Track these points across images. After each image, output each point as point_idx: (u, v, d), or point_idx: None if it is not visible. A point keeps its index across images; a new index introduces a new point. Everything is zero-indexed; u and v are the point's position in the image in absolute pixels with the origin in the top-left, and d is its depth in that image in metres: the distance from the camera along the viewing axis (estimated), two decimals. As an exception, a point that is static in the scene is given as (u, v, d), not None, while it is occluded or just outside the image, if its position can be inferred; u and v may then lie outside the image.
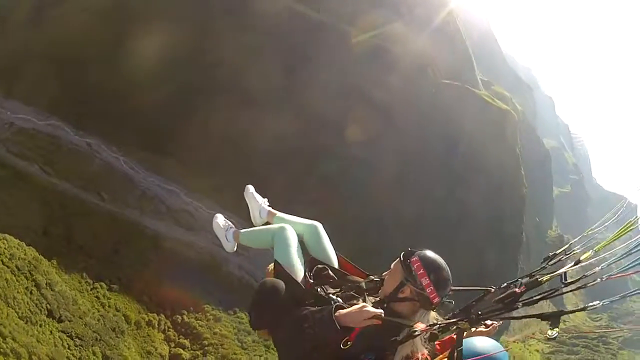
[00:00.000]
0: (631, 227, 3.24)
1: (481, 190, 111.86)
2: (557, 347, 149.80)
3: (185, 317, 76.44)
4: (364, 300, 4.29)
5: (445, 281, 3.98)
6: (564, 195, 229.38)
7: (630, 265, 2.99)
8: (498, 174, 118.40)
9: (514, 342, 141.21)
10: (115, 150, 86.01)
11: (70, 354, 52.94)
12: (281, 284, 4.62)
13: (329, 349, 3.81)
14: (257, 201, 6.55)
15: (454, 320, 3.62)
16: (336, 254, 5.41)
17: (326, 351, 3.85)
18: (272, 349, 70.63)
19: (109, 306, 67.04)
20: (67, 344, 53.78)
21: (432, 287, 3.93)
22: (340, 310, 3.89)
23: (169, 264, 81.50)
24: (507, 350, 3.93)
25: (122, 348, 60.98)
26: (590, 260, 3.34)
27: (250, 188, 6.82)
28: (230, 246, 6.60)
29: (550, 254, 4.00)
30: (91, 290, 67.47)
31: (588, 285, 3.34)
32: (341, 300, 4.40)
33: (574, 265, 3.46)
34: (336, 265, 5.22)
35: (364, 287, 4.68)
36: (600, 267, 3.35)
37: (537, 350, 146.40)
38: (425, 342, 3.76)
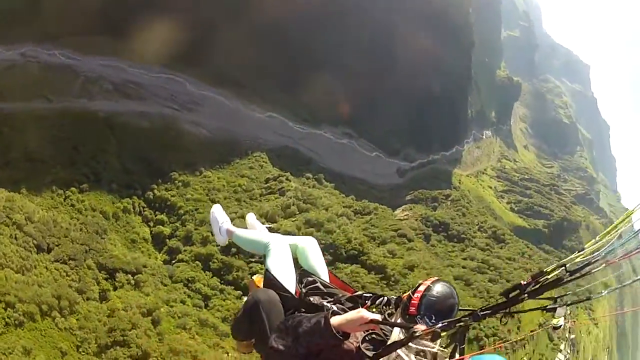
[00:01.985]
0: (631, 215, 3.52)
1: (428, 25, 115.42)
2: (509, 186, 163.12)
3: (156, 191, 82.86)
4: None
5: (432, 309, 4.26)
6: (512, 39, 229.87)
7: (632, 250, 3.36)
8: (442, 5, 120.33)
9: (467, 176, 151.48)
10: (49, 47, 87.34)
11: (70, 280, 58.91)
12: (275, 294, 5.04)
13: (324, 355, 4.21)
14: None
15: (458, 317, 3.98)
16: (327, 269, 5.89)
17: (320, 357, 4.22)
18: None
19: (86, 209, 72.20)
20: (64, 271, 59.70)
21: (418, 298, 4.35)
22: (336, 316, 4.16)
23: (127, 142, 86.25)
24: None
25: (110, 248, 66.69)
26: (593, 247, 3.58)
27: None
28: (221, 240, 6.93)
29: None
30: (65, 200, 72.26)
31: (592, 272, 3.60)
32: (335, 308, 4.85)
33: (578, 253, 3.66)
34: (327, 279, 5.69)
35: (357, 300, 5.16)
36: (603, 254, 3.59)
37: (490, 187, 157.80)
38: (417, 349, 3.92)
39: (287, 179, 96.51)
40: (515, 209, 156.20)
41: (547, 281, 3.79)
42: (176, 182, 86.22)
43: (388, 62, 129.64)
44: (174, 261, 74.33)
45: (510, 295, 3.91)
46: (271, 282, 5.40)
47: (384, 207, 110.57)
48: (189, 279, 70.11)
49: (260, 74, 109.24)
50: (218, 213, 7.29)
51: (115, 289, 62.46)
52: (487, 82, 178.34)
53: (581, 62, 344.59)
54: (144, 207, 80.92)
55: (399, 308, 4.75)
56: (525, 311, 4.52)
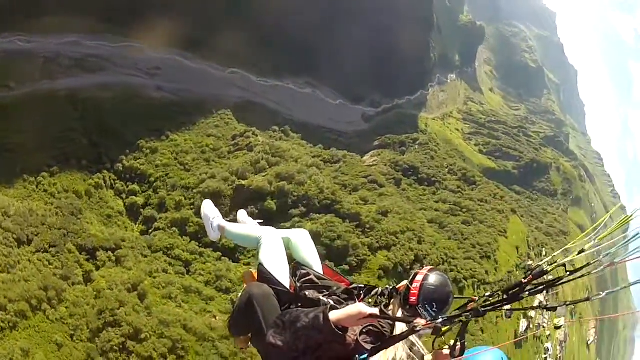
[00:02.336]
0: (631, 218, 3.48)
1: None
2: (476, 128, 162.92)
3: (125, 162, 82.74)
4: (355, 302, 4.58)
5: (431, 297, 4.35)
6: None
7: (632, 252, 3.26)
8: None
9: (434, 119, 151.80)
10: (6, 35, 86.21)
11: (53, 269, 59.42)
12: (269, 289, 5.00)
13: (322, 349, 4.18)
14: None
15: (458, 312, 3.95)
16: (321, 261, 5.82)
17: (319, 352, 4.20)
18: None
19: (59, 192, 72.44)
20: (47, 260, 60.06)
21: (417, 287, 4.38)
22: (334, 311, 4.14)
23: (92, 116, 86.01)
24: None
25: (87, 228, 66.98)
26: (593, 250, 3.54)
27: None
28: (214, 236, 6.80)
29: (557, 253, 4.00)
30: (37, 187, 72.47)
31: (592, 273, 3.60)
32: (332, 302, 4.86)
33: (578, 254, 3.65)
34: (321, 272, 5.65)
35: (354, 292, 5.15)
36: (603, 256, 3.56)
37: (457, 130, 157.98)
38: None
39: (253, 134, 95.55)
40: (484, 150, 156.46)
41: (547, 279, 3.81)
42: (144, 150, 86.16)
43: (349, 8, 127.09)
44: (150, 230, 74.96)
45: (511, 293, 3.88)
46: (265, 276, 5.25)
47: (353, 155, 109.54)
48: (168, 246, 70.80)
49: (219, 31, 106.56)
50: (208, 209, 6.95)
51: (97, 268, 62.77)
52: (450, 26, 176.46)
53: (547, 9, 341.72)
54: (115, 180, 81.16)
55: (397, 299, 4.77)
56: (525, 309, 4.39)
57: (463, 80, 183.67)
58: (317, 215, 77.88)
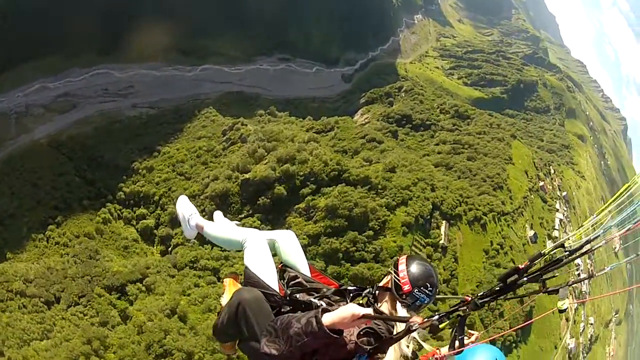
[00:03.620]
0: (630, 188, 3.59)
1: None
2: (455, 62, 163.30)
3: (125, 189, 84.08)
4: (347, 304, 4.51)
5: (423, 279, 4.47)
6: None
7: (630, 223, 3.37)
8: None
9: (411, 62, 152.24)
10: None
11: (89, 318, 59.56)
12: (259, 293, 4.97)
13: (320, 353, 4.21)
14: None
15: (454, 307, 4.01)
16: (308, 263, 5.83)
17: (316, 356, 4.23)
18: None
19: (70, 240, 72.67)
20: (81, 312, 60.17)
21: (405, 276, 4.48)
22: (327, 314, 4.03)
23: (78, 154, 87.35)
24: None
25: (109, 266, 66.90)
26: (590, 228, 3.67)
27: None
28: (190, 233, 6.78)
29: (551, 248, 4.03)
30: (48, 242, 73.00)
31: (593, 249, 3.65)
32: (324, 304, 4.86)
33: (576, 230, 3.76)
34: (308, 274, 5.67)
35: (344, 293, 5.18)
36: (602, 231, 3.65)
37: (437, 67, 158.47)
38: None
39: (242, 124, 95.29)
40: (468, 82, 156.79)
41: (546, 263, 3.80)
42: (140, 171, 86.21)
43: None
44: (170, 249, 74.62)
45: (508, 281, 3.90)
46: (253, 280, 5.24)
47: (344, 118, 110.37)
48: (192, 260, 70.32)
49: (177, 32, 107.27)
50: (183, 205, 7.00)
51: (131, 303, 62.58)
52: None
53: None
54: (120, 210, 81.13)
55: (387, 294, 4.73)
56: (523, 296, 4.49)
57: (430, 18, 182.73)
58: (328, 188, 78.02)
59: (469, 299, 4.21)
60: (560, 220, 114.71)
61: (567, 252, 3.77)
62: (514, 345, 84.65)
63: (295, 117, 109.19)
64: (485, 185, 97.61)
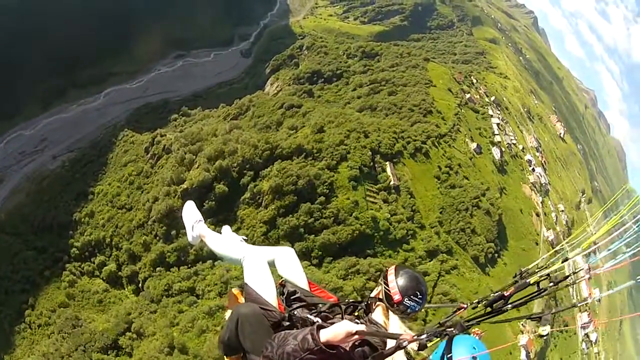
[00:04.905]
0: (620, 219, 3.73)
1: None
2: (347, 4, 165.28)
3: (76, 244, 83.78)
4: (342, 319, 4.82)
5: (412, 288, 4.73)
6: None
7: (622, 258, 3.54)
8: None
9: (304, 18, 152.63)
10: None
11: None
12: (258, 308, 5.20)
13: None
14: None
15: (442, 327, 4.12)
16: (306, 278, 6.07)
17: None
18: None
19: (49, 317, 71.50)
20: None
21: (395, 286, 4.73)
22: (322, 330, 4.26)
23: (20, 227, 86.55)
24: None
25: (94, 327, 66.90)
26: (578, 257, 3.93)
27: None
28: (192, 240, 7.06)
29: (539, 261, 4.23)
30: (32, 328, 72.07)
31: (577, 282, 3.92)
32: (320, 320, 5.04)
33: (563, 262, 3.92)
34: (307, 288, 5.93)
35: (340, 308, 5.31)
36: (588, 264, 3.87)
37: (331, 15, 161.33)
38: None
39: (161, 136, 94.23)
40: (366, 20, 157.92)
41: (531, 291, 4.01)
42: (83, 220, 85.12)
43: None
44: (141, 284, 74.27)
45: (495, 305, 4.08)
46: (252, 296, 5.50)
47: (256, 94, 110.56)
48: (165, 288, 70.00)
49: (64, 69, 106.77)
50: (189, 212, 7.32)
51: (130, 355, 62.39)
52: None
53: None
54: (80, 266, 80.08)
55: (379, 305, 4.97)
56: (509, 320, 4.43)
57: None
58: (266, 170, 78.10)
59: (465, 305, 4.58)
60: (498, 124, 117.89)
61: (552, 283, 3.97)
62: (496, 255, 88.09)
63: (209, 109, 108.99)
64: (414, 115, 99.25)
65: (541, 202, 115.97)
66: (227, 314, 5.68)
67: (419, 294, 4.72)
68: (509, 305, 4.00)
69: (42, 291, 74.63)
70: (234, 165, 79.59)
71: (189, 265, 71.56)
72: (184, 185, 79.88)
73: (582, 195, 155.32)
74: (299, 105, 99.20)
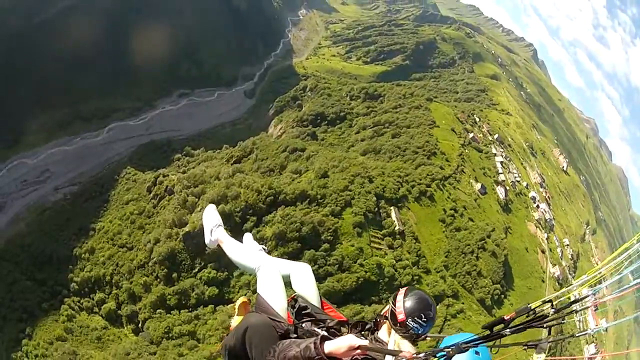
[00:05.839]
0: (621, 250, 3.73)
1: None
2: (350, 45, 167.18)
3: (75, 279, 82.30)
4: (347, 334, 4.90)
5: (418, 310, 4.69)
6: None
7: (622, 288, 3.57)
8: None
9: (307, 59, 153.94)
10: None
11: None
12: (267, 319, 5.27)
13: None
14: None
15: (440, 348, 4.11)
16: (320, 297, 6.17)
17: None
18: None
19: (46, 349, 69.36)
20: None
21: (401, 306, 4.71)
22: (326, 342, 4.37)
23: (20, 257, 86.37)
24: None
25: None
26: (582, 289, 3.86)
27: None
28: (210, 243, 7.23)
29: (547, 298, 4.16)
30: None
31: (579, 310, 3.86)
32: (325, 333, 5.09)
33: (565, 289, 4.01)
34: (319, 306, 6.00)
35: (347, 325, 5.45)
36: (592, 293, 3.86)
37: (334, 56, 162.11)
38: None
39: (164, 176, 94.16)
40: (368, 60, 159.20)
41: (532, 317, 3.99)
42: (83, 256, 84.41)
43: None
44: (140, 325, 73.28)
45: (495, 329, 4.05)
46: (263, 306, 5.60)
47: (259, 136, 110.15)
48: (165, 330, 69.16)
49: (70, 101, 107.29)
50: (210, 215, 7.43)
51: None
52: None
53: None
54: (79, 301, 79.17)
55: (386, 322, 5.01)
56: (507, 345, 4.33)
57: (314, 9, 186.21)
58: (270, 215, 77.64)
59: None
60: (501, 162, 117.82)
61: (554, 310, 3.96)
62: (502, 296, 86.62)
63: (212, 150, 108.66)
64: (418, 157, 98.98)
65: (546, 239, 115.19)
66: (234, 320, 6.05)
67: (423, 316, 4.70)
68: (508, 330, 3.97)
69: (40, 322, 73.58)
70: (236, 210, 78.72)
71: (190, 309, 70.87)
72: (186, 229, 78.98)
73: (587, 226, 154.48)
74: (302, 149, 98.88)
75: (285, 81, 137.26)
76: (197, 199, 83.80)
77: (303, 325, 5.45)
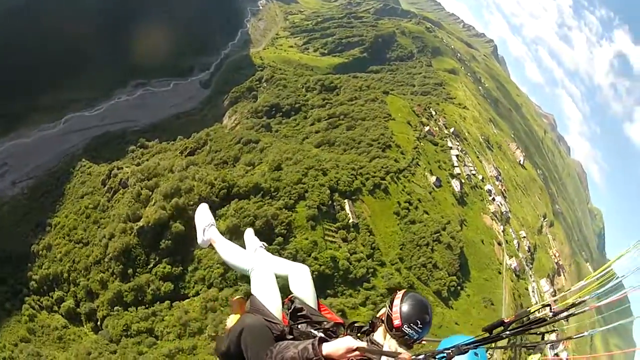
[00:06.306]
0: (619, 257, 3.70)
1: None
2: (308, 36, 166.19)
3: (34, 276, 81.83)
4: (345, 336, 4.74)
5: (414, 316, 4.60)
6: None
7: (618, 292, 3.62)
8: None
9: (265, 49, 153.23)
10: None
11: None
12: (262, 320, 5.26)
13: None
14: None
15: (440, 350, 4.09)
16: (316, 298, 6.09)
17: None
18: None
19: (11, 351, 67.56)
20: None
21: (398, 311, 4.62)
22: (324, 343, 4.32)
23: None
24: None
25: None
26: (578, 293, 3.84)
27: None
28: (202, 242, 7.00)
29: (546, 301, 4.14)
30: None
31: (576, 313, 3.88)
32: (322, 335, 4.95)
33: (562, 294, 3.97)
34: (315, 307, 5.93)
35: (343, 327, 5.43)
36: (589, 297, 3.84)
37: (291, 47, 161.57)
38: None
39: (118, 168, 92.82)
40: (326, 51, 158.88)
41: (530, 320, 3.98)
42: (41, 252, 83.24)
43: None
44: (99, 322, 72.41)
45: (494, 332, 4.04)
46: (257, 307, 5.51)
47: (213, 127, 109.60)
48: (124, 328, 68.12)
49: (27, 92, 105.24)
50: (202, 214, 7.14)
51: None
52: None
53: None
54: (39, 300, 77.87)
55: (382, 326, 4.92)
56: (505, 347, 4.64)
57: (274, 0, 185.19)
58: (223, 209, 77.04)
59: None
60: (457, 155, 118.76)
61: (552, 314, 3.91)
62: (459, 288, 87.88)
63: (167, 141, 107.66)
64: (373, 150, 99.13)
65: (502, 231, 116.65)
66: (229, 319, 5.80)
67: (419, 322, 4.61)
68: (508, 332, 3.96)
69: (4, 323, 72.25)
70: (190, 203, 77.48)
71: (147, 306, 69.98)
72: (140, 223, 77.96)
73: (544, 219, 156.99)
74: (256, 141, 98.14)
75: (241, 72, 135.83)
76: (150, 193, 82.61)
77: (299, 326, 5.42)
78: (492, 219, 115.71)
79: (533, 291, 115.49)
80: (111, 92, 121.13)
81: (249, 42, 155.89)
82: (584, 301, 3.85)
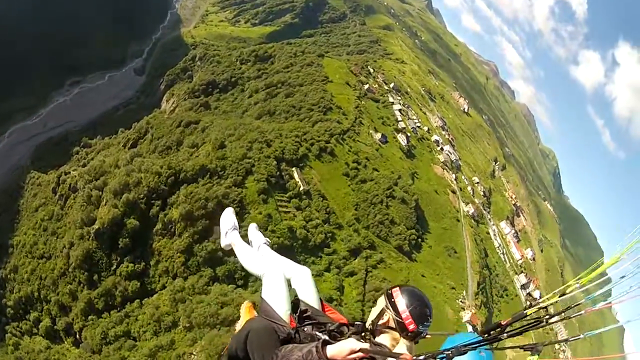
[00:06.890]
0: (615, 262, 3.67)
1: None
2: (237, 8, 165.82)
3: (8, 302, 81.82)
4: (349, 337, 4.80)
5: (424, 314, 4.61)
6: None
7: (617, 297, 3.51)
8: None
9: (195, 27, 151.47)
10: None
11: None
12: (270, 323, 5.34)
13: None
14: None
15: (440, 350, 4.12)
16: (320, 299, 6.14)
17: None
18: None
19: None
20: None
21: (408, 315, 4.58)
22: (328, 346, 4.40)
23: None
24: None
25: None
26: (573, 293, 3.89)
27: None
28: (224, 243, 7.16)
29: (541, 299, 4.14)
30: None
31: (572, 317, 3.92)
32: (327, 337, 5.07)
33: (559, 297, 4.00)
34: (319, 308, 5.97)
35: (348, 328, 5.32)
36: (584, 300, 3.94)
37: (222, 21, 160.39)
38: None
39: (65, 173, 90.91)
40: (257, 22, 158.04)
41: (527, 322, 4.03)
42: (8, 277, 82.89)
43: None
44: (78, 335, 71.23)
45: (491, 333, 4.09)
46: (267, 311, 5.58)
47: (153, 114, 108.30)
48: (102, 336, 67.02)
49: None
50: (227, 218, 7.35)
51: None
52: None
53: None
54: (18, 325, 77.19)
55: (389, 332, 4.81)
56: (504, 348, 4.35)
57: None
58: (174, 197, 75.98)
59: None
60: (400, 110, 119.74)
61: (548, 316, 3.92)
62: (419, 240, 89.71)
63: (109, 136, 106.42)
64: (314, 114, 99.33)
65: (455, 179, 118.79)
66: (238, 324, 5.96)
67: (429, 317, 4.65)
68: (505, 334, 4.00)
69: None
70: (140, 196, 76.51)
71: (118, 309, 69.35)
72: (96, 226, 76.38)
73: (495, 163, 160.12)
74: (196, 121, 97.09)
75: (174, 53, 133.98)
76: (100, 192, 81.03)
77: (305, 329, 5.42)
78: (443, 169, 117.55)
79: (495, 234, 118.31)
80: (49, 96, 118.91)
81: (180, 22, 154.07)
82: (580, 303, 3.98)
